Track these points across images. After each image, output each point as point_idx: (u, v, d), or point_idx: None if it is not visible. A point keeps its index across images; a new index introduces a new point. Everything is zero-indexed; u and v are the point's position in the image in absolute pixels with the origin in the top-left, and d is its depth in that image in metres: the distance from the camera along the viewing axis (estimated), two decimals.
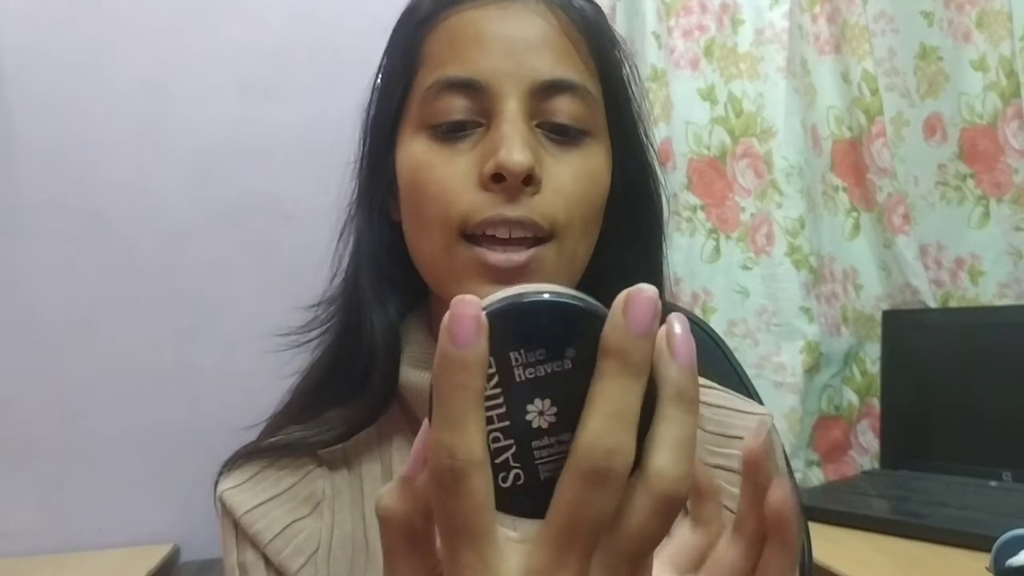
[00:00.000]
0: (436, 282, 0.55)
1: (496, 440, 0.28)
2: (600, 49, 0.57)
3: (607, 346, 0.26)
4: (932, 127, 1.53)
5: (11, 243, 1.37)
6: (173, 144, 1.43)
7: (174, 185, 1.42)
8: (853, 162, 1.54)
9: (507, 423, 0.28)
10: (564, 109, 0.53)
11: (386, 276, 0.58)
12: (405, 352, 0.58)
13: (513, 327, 0.27)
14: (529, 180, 0.50)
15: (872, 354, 1.54)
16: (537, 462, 0.28)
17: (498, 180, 0.50)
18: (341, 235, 0.61)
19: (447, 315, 0.26)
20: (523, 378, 0.27)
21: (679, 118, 1.49)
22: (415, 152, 0.54)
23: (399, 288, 0.59)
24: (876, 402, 1.51)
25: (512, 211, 0.50)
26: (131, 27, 1.42)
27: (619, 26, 1.47)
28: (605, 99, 0.56)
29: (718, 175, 1.51)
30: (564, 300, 0.28)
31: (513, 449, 0.28)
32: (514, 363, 0.27)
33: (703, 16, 1.52)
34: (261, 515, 0.56)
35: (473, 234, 0.51)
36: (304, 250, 1.46)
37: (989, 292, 1.47)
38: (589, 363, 0.27)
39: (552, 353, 0.27)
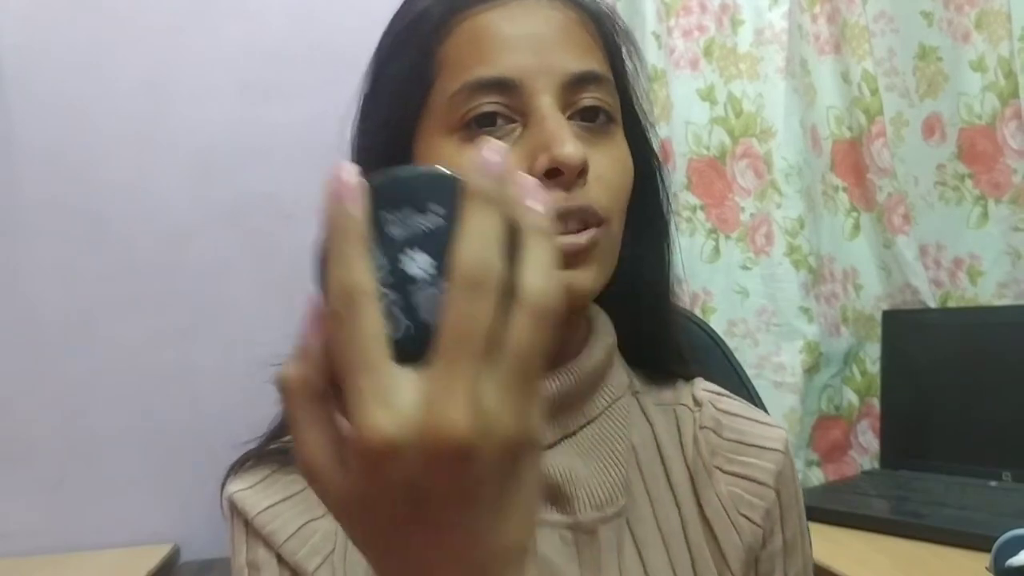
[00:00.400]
0: None
1: (384, 296, 0.30)
2: (612, 40, 0.58)
3: (471, 188, 0.30)
4: (931, 127, 1.53)
5: (11, 243, 1.38)
6: (173, 144, 1.43)
7: (174, 185, 1.43)
8: (853, 162, 1.54)
9: (391, 279, 0.30)
10: (592, 96, 0.54)
11: None
12: None
13: (383, 193, 0.30)
14: (583, 172, 0.51)
15: (872, 354, 1.54)
16: (422, 312, 0.30)
17: (553, 175, 0.50)
18: None
19: (329, 180, 0.30)
20: (397, 235, 0.30)
21: (679, 118, 1.49)
22: (450, 155, 0.52)
23: None
24: (876, 402, 1.51)
25: (571, 201, 0.50)
26: (131, 27, 1.42)
27: None
28: (618, 88, 0.57)
29: (718, 175, 1.51)
30: (427, 168, 0.32)
31: (401, 302, 0.30)
32: (385, 222, 0.30)
33: (703, 16, 1.52)
34: (275, 515, 0.55)
35: None
36: (304, 250, 1.46)
37: (988, 292, 1.47)
38: (458, 220, 0.30)
39: (419, 210, 0.30)
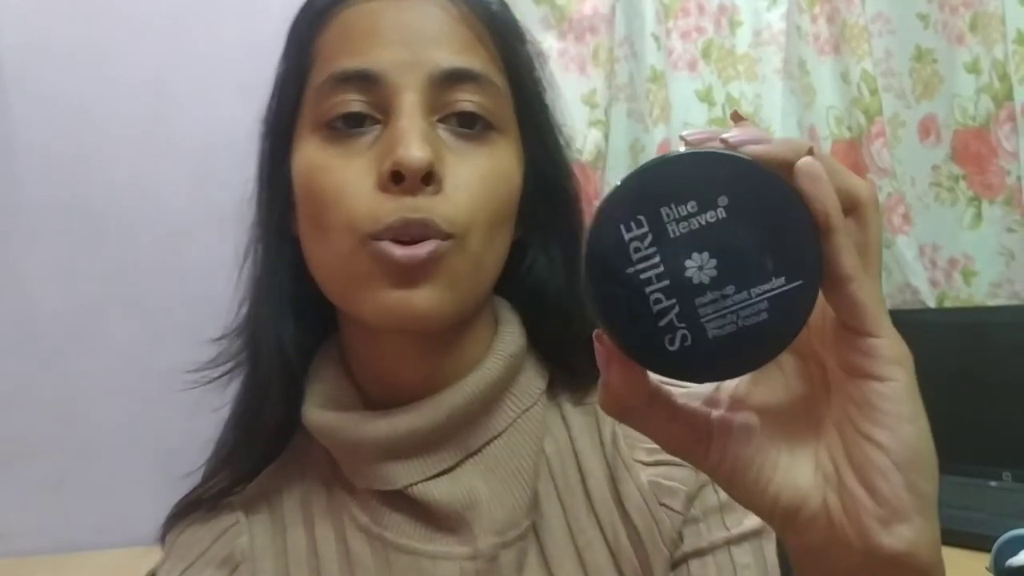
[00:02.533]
0: (339, 292, 0.51)
1: (658, 301, 0.27)
2: (506, 43, 0.53)
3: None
4: (927, 128, 1.54)
5: (11, 243, 1.37)
6: (173, 144, 1.42)
7: (174, 185, 1.42)
8: (853, 162, 1.55)
9: (667, 282, 0.27)
10: (467, 99, 0.49)
11: (288, 299, 0.54)
12: (312, 389, 0.54)
13: (660, 183, 0.27)
14: (429, 178, 0.46)
15: None
16: (703, 320, 0.27)
17: (397, 180, 0.46)
18: (245, 258, 0.58)
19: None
20: (677, 233, 0.27)
21: (677, 120, 1.50)
22: (310, 155, 0.49)
23: (306, 315, 0.55)
24: None
25: (413, 213, 0.46)
26: (131, 27, 1.41)
27: (618, 27, 1.48)
28: (514, 95, 0.53)
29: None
30: (707, 150, 0.27)
31: (676, 308, 0.27)
32: (666, 219, 0.27)
33: (701, 18, 1.53)
34: None
35: (376, 238, 0.47)
36: None
37: (981, 292, 1.48)
38: (742, 208, 0.27)
39: (704, 204, 0.27)
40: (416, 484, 0.50)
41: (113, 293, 1.39)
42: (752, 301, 0.27)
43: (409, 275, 0.46)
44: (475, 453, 0.52)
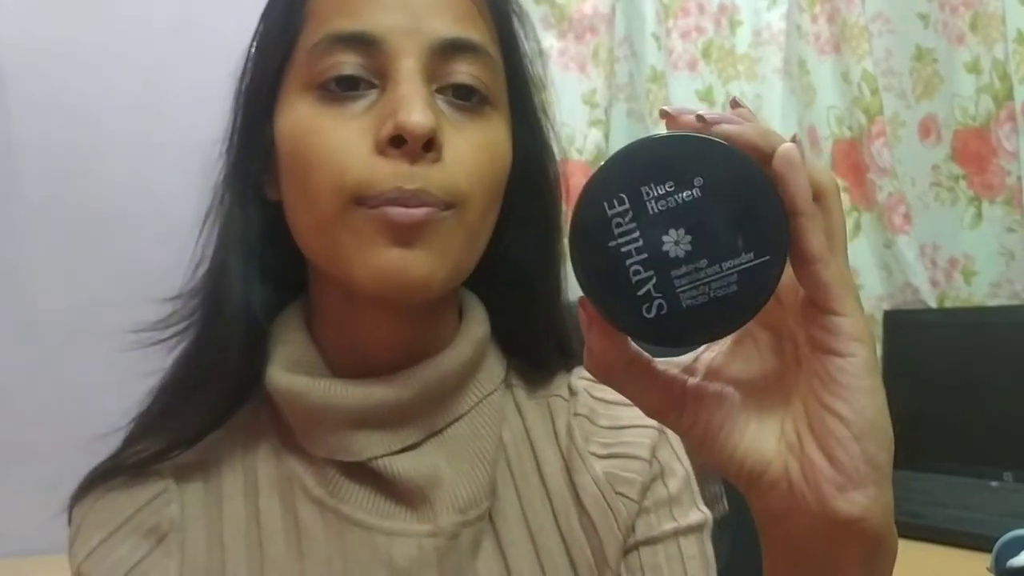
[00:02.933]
0: (326, 255, 0.49)
1: (636, 272, 0.30)
2: (502, 17, 0.53)
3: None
4: (927, 128, 1.54)
5: (11, 243, 1.37)
6: (173, 144, 1.42)
7: (174, 185, 1.42)
8: (853, 162, 1.55)
9: (645, 255, 0.30)
10: (466, 71, 0.49)
11: (256, 262, 0.53)
12: (277, 352, 0.52)
13: (643, 163, 0.29)
14: (430, 145, 0.46)
15: None
16: (678, 290, 0.30)
17: (397, 144, 0.45)
18: (206, 220, 0.57)
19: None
20: (655, 210, 0.29)
21: None
22: (300, 116, 0.48)
23: (272, 279, 0.54)
24: None
25: (410, 182, 0.45)
26: (131, 27, 1.41)
27: (618, 27, 1.48)
28: (506, 71, 0.52)
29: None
30: (685, 134, 0.30)
31: (654, 280, 0.30)
32: (646, 197, 0.29)
33: (701, 18, 1.53)
34: (100, 558, 0.50)
35: (368, 203, 0.46)
36: None
37: (981, 292, 1.48)
38: (716, 188, 0.29)
39: (680, 184, 0.29)
40: (381, 457, 0.50)
41: (113, 292, 1.39)
42: (723, 274, 0.30)
43: (406, 235, 0.46)
44: (438, 432, 0.52)
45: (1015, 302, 1.43)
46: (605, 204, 0.30)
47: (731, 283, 0.30)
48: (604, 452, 0.55)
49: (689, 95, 1.52)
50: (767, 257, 0.30)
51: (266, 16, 0.55)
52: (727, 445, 0.33)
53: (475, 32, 0.49)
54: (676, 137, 0.30)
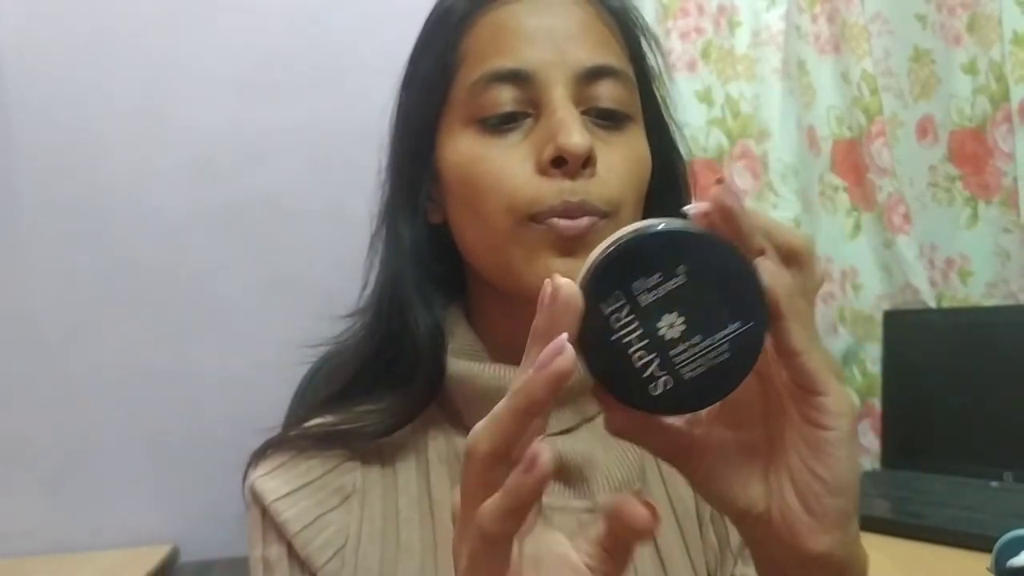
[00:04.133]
0: (498, 268, 0.56)
1: (640, 358, 0.33)
2: (632, 37, 0.59)
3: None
4: (924, 129, 1.54)
5: (11, 243, 1.37)
6: (173, 144, 1.42)
7: (174, 185, 1.42)
8: (853, 162, 1.55)
9: (645, 341, 0.33)
10: (608, 94, 0.55)
11: (429, 276, 0.59)
12: (449, 345, 0.59)
13: (630, 261, 0.33)
14: (588, 162, 0.52)
15: (872, 354, 1.54)
16: (678, 367, 0.33)
17: (558, 164, 0.51)
18: (371, 245, 0.62)
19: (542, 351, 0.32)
20: (648, 301, 0.33)
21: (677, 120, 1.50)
22: (466, 147, 0.55)
23: (440, 288, 0.61)
24: (876, 402, 1.51)
25: (573, 196, 0.51)
26: (131, 27, 1.41)
27: None
28: (639, 84, 0.58)
29: (715, 177, 1.52)
30: (663, 229, 0.33)
31: (656, 361, 0.33)
32: (636, 292, 0.33)
33: (700, 18, 1.53)
34: (291, 503, 0.56)
35: (538, 219, 0.53)
36: (304, 250, 1.47)
37: (978, 292, 1.48)
38: (699, 273, 0.33)
39: (667, 274, 0.33)
40: (543, 437, 0.53)
41: (112, 293, 1.39)
42: (716, 345, 0.33)
43: (571, 245, 0.52)
44: (591, 419, 0.58)
45: (1011, 302, 1.44)
46: (602, 304, 0.33)
47: (724, 351, 0.33)
48: None
49: (688, 95, 1.52)
50: (752, 323, 0.33)
51: (416, 60, 0.60)
52: (723, 487, 0.38)
53: (612, 57, 0.56)
54: (656, 234, 0.33)
